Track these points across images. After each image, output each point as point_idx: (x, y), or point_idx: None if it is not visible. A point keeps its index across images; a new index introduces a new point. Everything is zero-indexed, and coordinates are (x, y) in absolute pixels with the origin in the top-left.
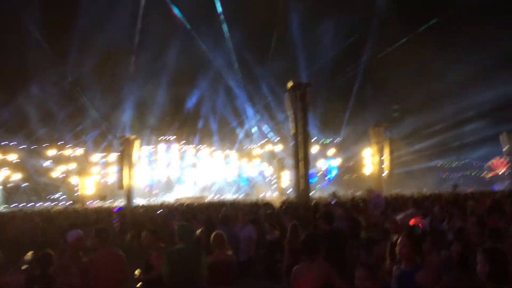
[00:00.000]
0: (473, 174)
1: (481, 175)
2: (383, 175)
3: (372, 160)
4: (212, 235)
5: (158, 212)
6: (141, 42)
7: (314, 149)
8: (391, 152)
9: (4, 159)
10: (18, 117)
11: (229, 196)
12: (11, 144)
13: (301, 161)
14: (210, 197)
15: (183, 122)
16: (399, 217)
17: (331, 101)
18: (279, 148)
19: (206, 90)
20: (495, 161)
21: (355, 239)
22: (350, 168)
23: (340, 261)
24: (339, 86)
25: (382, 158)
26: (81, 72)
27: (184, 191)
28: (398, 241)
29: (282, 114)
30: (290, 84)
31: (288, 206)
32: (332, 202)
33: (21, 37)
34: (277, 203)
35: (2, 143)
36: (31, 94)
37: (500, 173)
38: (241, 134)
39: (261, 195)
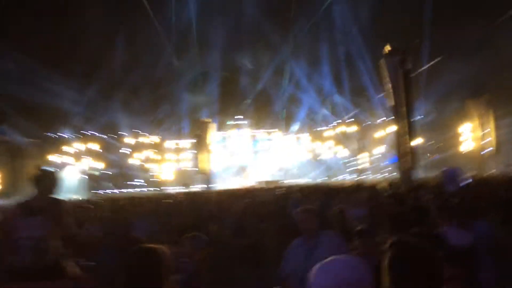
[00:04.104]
0: None
1: None
2: (482, 152)
3: (473, 136)
4: None
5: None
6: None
7: (391, 128)
8: (497, 126)
9: (89, 149)
10: (97, 107)
11: (305, 179)
12: (93, 133)
13: (404, 136)
14: (286, 181)
15: (254, 106)
16: None
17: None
18: (353, 129)
19: (277, 72)
20: None
21: None
22: (436, 148)
23: None
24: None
25: (483, 133)
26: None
27: (258, 176)
28: None
29: (358, 91)
30: (387, 48)
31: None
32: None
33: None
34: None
35: (88, 132)
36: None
37: None
38: (315, 115)
39: (337, 178)
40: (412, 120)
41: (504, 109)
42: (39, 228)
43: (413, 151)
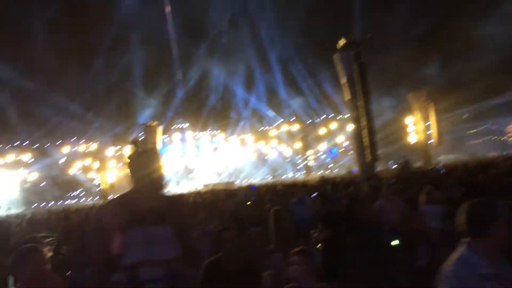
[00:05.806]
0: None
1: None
2: (429, 142)
3: (416, 128)
4: None
5: None
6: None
7: (332, 125)
8: (438, 118)
9: (19, 160)
10: (28, 115)
11: (257, 179)
12: (24, 144)
13: (364, 129)
14: (238, 182)
15: (197, 108)
16: None
17: None
18: (295, 127)
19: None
20: None
21: None
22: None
23: None
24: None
25: (425, 125)
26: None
27: (206, 179)
28: None
29: (300, 89)
30: (341, 42)
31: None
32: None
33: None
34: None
35: (16, 144)
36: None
37: None
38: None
39: (283, 176)
40: (370, 112)
41: (444, 102)
42: (168, 246)
43: (374, 143)
